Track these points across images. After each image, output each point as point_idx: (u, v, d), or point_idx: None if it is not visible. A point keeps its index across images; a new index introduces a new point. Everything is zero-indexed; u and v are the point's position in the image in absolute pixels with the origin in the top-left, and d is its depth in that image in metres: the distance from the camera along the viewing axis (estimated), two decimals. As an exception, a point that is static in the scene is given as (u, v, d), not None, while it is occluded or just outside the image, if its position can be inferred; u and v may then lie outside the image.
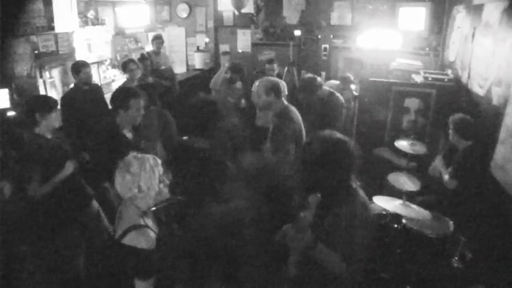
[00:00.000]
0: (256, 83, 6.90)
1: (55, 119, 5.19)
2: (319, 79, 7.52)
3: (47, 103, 5.09)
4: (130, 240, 3.14)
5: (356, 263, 3.10)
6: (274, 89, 5.61)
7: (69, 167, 5.09)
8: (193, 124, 4.00)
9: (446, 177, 5.67)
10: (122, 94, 5.29)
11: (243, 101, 8.86)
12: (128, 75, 8.21)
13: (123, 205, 3.38)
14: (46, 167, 4.87)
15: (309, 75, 8.14)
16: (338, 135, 3.29)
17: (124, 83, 8.24)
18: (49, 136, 5.09)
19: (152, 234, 3.24)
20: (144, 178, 3.23)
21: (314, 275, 3.33)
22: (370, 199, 4.81)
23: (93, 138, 5.41)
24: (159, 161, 3.41)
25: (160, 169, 3.38)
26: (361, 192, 3.32)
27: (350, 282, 3.22)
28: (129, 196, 3.25)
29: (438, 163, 6.05)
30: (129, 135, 5.30)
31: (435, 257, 4.97)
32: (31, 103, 5.10)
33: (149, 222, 3.33)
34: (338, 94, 7.53)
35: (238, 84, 8.65)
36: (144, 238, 3.16)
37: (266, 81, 5.86)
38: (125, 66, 8.36)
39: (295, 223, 3.07)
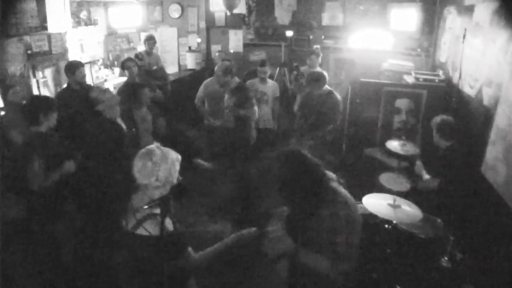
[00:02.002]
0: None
1: (54, 119, 5.31)
2: (325, 74, 7.56)
3: (50, 104, 5.29)
4: (145, 229, 3.16)
5: (342, 263, 3.12)
6: None
7: (71, 165, 5.19)
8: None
9: (426, 176, 5.72)
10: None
11: None
12: (127, 73, 8.24)
13: (135, 196, 3.37)
14: (50, 162, 4.99)
15: (318, 69, 8.21)
16: (290, 147, 3.37)
17: (126, 81, 8.29)
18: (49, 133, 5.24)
19: (168, 225, 3.23)
20: (164, 170, 3.25)
21: (303, 278, 3.36)
22: (360, 200, 4.84)
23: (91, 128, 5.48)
24: (180, 157, 3.42)
25: (179, 165, 3.40)
26: (343, 191, 3.35)
27: (341, 282, 3.25)
28: (145, 183, 3.25)
29: (418, 163, 6.10)
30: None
31: (425, 257, 4.99)
32: (34, 104, 5.28)
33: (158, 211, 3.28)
34: (336, 93, 7.56)
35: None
36: (159, 227, 3.14)
37: None
38: (123, 65, 8.42)
39: (268, 235, 3.18)
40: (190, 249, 3.38)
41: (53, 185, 4.95)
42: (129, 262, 3.35)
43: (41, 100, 5.53)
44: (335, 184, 3.36)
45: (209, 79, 8.45)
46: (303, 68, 9.10)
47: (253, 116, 7.53)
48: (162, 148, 3.38)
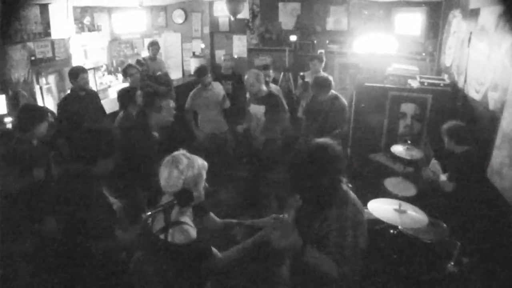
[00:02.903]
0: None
1: (44, 128, 5.39)
2: (331, 79, 7.54)
3: (39, 113, 5.42)
4: (170, 236, 3.15)
5: (347, 265, 3.08)
6: None
7: (39, 173, 5.27)
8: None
9: (443, 178, 5.66)
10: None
11: (227, 102, 8.84)
12: (130, 80, 8.21)
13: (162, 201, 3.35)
14: (24, 168, 5.14)
15: (323, 74, 8.18)
16: (323, 140, 3.31)
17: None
18: (34, 142, 5.36)
19: (192, 230, 3.25)
20: (191, 177, 3.22)
21: (307, 278, 3.34)
22: (365, 205, 4.81)
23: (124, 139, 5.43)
24: (206, 165, 3.41)
25: (205, 173, 3.38)
26: (352, 195, 3.34)
27: (345, 285, 3.22)
28: (172, 192, 3.21)
29: (433, 166, 6.04)
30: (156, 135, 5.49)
31: (431, 262, 4.97)
32: (25, 111, 5.41)
33: (187, 219, 3.34)
34: (342, 98, 7.53)
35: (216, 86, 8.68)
36: (184, 235, 3.17)
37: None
38: (125, 72, 8.39)
39: (278, 226, 3.15)
40: (214, 250, 3.39)
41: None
42: (149, 265, 3.34)
43: (32, 109, 5.60)
44: (345, 187, 3.36)
45: (194, 89, 8.59)
46: (306, 73, 9.08)
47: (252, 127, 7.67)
48: (189, 155, 3.35)
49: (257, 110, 7.45)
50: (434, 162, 6.08)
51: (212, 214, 3.75)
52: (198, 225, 3.41)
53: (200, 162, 3.35)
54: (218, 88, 8.69)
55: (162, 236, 3.16)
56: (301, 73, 8.98)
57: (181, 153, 3.35)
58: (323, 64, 9.29)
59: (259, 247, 3.46)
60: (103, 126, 4.53)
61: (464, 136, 5.56)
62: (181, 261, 3.17)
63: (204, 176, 3.36)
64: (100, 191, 3.88)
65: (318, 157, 3.17)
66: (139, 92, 6.74)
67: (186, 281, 3.25)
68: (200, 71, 8.48)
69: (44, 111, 5.60)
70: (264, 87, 7.43)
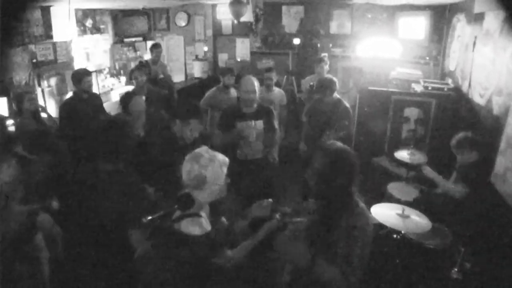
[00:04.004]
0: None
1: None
2: (336, 80, 7.49)
3: None
4: (184, 227, 3.23)
5: (352, 275, 3.05)
6: None
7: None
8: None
9: (448, 185, 5.61)
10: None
11: None
12: (135, 83, 8.17)
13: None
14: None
15: (327, 76, 8.13)
16: (340, 144, 3.29)
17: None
18: None
19: (206, 223, 3.34)
20: (211, 172, 3.29)
21: (308, 284, 3.31)
22: (369, 209, 4.78)
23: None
24: (228, 161, 3.46)
25: (226, 168, 3.43)
26: (362, 205, 3.30)
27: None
28: (193, 187, 3.31)
29: (427, 168, 5.97)
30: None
31: (435, 268, 4.93)
32: None
33: (203, 213, 3.41)
34: (345, 102, 7.49)
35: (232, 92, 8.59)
36: (198, 227, 3.25)
37: None
38: (131, 75, 8.36)
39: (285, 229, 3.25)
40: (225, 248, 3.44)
41: None
42: (159, 252, 3.38)
43: None
44: (357, 197, 3.32)
45: (213, 89, 8.51)
46: (312, 77, 9.06)
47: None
48: (210, 151, 3.42)
49: (250, 128, 6.24)
50: (427, 169, 6.00)
51: (223, 219, 3.76)
52: (213, 223, 3.48)
53: (221, 158, 3.42)
54: (235, 94, 8.64)
55: (176, 226, 3.24)
56: (312, 83, 8.95)
57: (203, 149, 3.43)
58: (327, 67, 9.27)
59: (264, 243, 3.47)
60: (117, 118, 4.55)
61: (479, 143, 5.48)
62: (191, 252, 3.20)
63: (225, 171, 3.41)
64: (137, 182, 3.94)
65: (341, 161, 3.17)
66: (143, 97, 6.68)
67: (194, 273, 3.28)
68: (225, 70, 8.52)
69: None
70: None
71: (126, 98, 6.46)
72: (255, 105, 6.26)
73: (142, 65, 9.82)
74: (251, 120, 6.21)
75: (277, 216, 3.52)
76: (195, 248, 3.19)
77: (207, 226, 3.34)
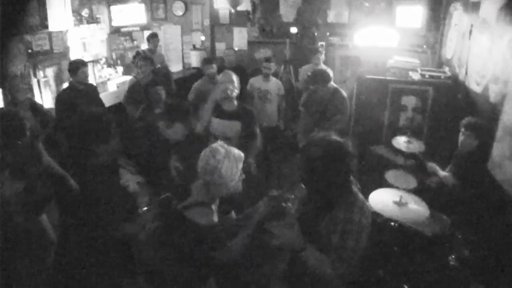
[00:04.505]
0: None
1: None
2: (330, 72, 7.50)
3: None
4: (192, 214, 3.36)
5: (343, 267, 3.08)
6: None
7: None
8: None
9: (442, 173, 5.63)
10: None
11: None
12: (140, 72, 8.19)
13: (196, 185, 3.55)
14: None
15: (322, 66, 8.09)
16: (335, 136, 3.28)
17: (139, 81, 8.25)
18: None
19: (214, 215, 3.50)
20: (227, 167, 3.38)
21: (302, 275, 3.34)
22: (366, 197, 4.78)
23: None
24: (243, 156, 3.56)
25: (241, 164, 3.53)
26: (361, 197, 3.32)
27: (340, 284, 3.19)
28: (208, 180, 3.40)
29: (430, 164, 5.99)
30: None
31: (432, 255, 4.94)
32: None
33: (213, 205, 3.54)
34: (342, 91, 7.48)
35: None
36: (206, 217, 3.39)
37: None
38: (135, 62, 8.45)
39: (281, 217, 3.26)
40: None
41: None
42: (164, 236, 3.45)
43: None
44: (355, 189, 3.35)
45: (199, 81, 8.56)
46: (308, 66, 9.06)
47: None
48: (226, 146, 3.51)
49: (225, 127, 6.03)
50: (431, 165, 6.00)
51: (232, 214, 3.80)
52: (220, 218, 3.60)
53: (236, 153, 3.51)
54: None
55: (185, 213, 3.36)
56: (309, 73, 8.93)
57: (219, 144, 3.53)
58: (323, 56, 9.25)
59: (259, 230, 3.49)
60: (94, 111, 4.53)
61: (482, 130, 5.46)
62: (194, 240, 3.28)
63: (240, 166, 3.51)
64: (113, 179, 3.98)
65: (332, 153, 3.16)
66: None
67: (192, 262, 3.33)
68: (204, 60, 8.61)
69: None
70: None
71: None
72: (235, 103, 6.02)
73: (137, 53, 9.83)
74: (227, 119, 5.96)
75: (265, 199, 3.53)
76: (199, 237, 3.27)
77: (215, 219, 3.47)
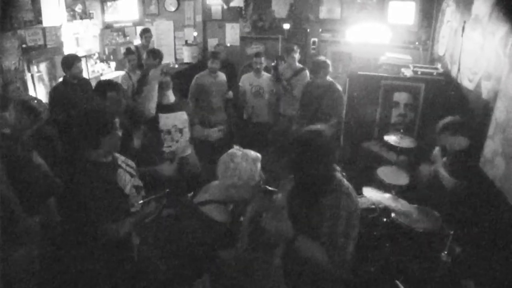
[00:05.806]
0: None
1: None
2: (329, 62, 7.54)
3: None
4: (208, 210, 3.47)
5: (339, 255, 3.12)
6: None
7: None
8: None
9: (444, 173, 5.62)
10: None
11: (230, 92, 8.85)
12: (129, 65, 8.29)
13: (214, 185, 3.66)
14: None
15: (321, 57, 8.08)
16: (314, 128, 3.35)
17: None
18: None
19: (229, 214, 3.62)
20: (245, 169, 3.43)
21: (299, 267, 3.39)
22: (360, 192, 4.81)
23: None
24: (260, 157, 3.60)
25: (259, 164, 3.56)
26: (346, 184, 3.38)
27: (337, 274, 3.23)
28: (228, 184, 3.46)
29: (435, 155, 5.93)
30: None
31: (424, 252, 4.97)
32: None
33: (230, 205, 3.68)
34: (337, 85, 7.51)
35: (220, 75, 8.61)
36: (221, 215, 3.51)
37: None
38: (126, 54, 8.52)
39: (270, 207, 3.31)
40: None
41: None
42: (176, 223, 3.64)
43: None
44: (339, 175, 3.41)
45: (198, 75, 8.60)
46: (283, 66, 9.01)
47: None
48: (243, 149, 3.58)
49: (172, 119, 6.07)
50: (437, 151, 5.98)
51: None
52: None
53: (254, 155, 3.56)
54: (223, 77, 8.67)
55: (202, 208, 3.47)
56: (273, 64, 8.90)
57: (236, 149, 3.58)
58: (298, 55, 9.15)
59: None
60: (90, 106, 4.55)
61: (467, 129, 5.46)
62: (207, 234, 3.37)
63: (259, 166, 3.55)
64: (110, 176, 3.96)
65: (312, 144, 3.23)
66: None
67: (198, 254, 3.41)
68: (211, 54, 8.75)
69: None
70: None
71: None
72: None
73: (128, 49, 9.83)
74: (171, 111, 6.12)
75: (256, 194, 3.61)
76: (211, 232, 3.38)
77: (229, 218, 3.58)
